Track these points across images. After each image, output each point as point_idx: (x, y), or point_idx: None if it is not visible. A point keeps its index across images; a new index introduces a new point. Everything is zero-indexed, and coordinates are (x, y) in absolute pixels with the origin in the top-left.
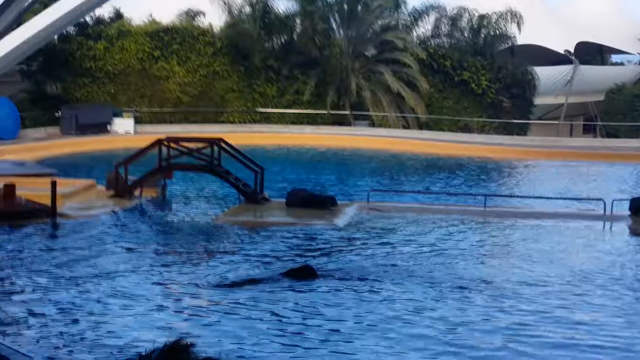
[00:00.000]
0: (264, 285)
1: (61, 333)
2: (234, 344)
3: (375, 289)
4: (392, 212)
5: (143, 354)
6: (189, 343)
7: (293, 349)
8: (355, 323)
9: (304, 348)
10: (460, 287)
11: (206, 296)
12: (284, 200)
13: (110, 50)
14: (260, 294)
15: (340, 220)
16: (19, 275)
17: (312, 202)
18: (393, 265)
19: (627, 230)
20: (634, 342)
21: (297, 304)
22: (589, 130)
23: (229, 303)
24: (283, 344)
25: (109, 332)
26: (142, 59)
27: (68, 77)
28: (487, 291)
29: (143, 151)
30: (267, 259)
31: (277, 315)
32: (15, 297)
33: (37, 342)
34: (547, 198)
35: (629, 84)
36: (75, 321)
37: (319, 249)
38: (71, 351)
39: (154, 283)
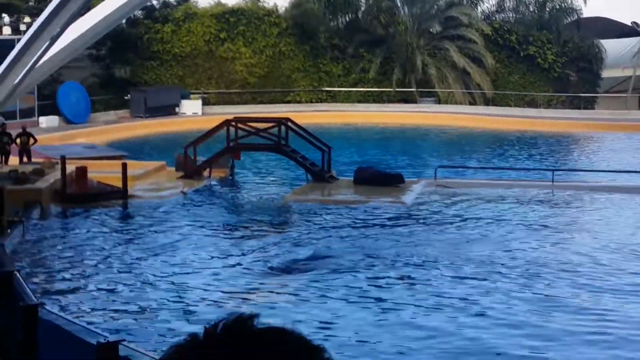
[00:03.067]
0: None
1: (135, 308)
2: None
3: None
4: (460, 188)
5: (208, 327)
6: (253, 314)
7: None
8: None
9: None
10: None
11: (273, 277)
12: (352, 178)
13: (177, 33)
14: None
15: (408, 197)
16: (95, 254)
17: (379, 179)
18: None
19: None
20: None
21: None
22: None
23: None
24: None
25: (178, 309)
26: (209, 40)
27: (136, 60)
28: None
29: (211, 132)
30: (335, 238)
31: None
32: (89, 275)
33: (106, 320)
34: (616, 172)
35: None
36: (146, 297)
37: (387, 226)
38: (144, 325)
39: (222, 262)
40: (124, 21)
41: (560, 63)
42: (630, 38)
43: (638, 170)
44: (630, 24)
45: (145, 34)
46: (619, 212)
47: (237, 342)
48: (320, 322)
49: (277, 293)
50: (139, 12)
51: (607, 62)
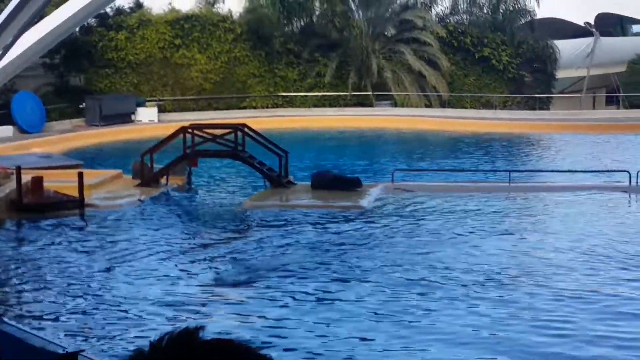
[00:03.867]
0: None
1: (86, 322)
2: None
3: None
4: (417, 191)
5: (154, 341)
6: (198, 327)
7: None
8: None
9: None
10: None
11: (227, 287)
12: (309, 183)
13: (131, 40)
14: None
15: (366, 201)
16: (49, 266)
17: (337, 183)
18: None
19: None
20: None
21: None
22: (611, 101)
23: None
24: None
25: (125, 318)
26: (164, 47)
27: (91, 68)
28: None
29: (167, 139)
30: (292, 244)
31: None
32: (46, 286)
33: (65, 331)
34: (572, 171)
35: None
36: (99, 309)
37: (345, 230)
38: (97, 338)
39: (178, 272)
40: (77, 29)
41: (515, 64)
42: (584, 38)
43: (593, 169)
44: (583, 25)
45: (99, 41)
46: (575, 211)
47: (183, 355)
48: (271, 331)
49: (229, 303)
50: (93, 19)
51: (561, 62)
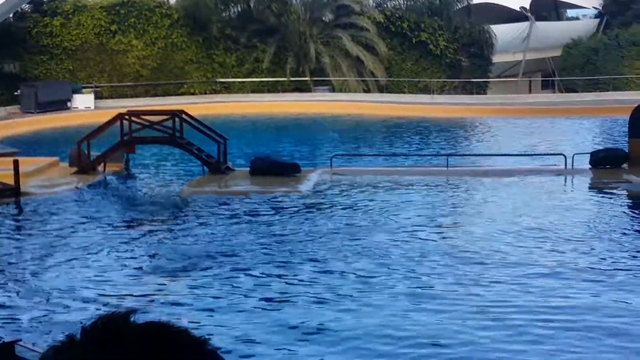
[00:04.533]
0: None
1: (19, 312)
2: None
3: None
4: (355, 176)
5: (85, 326)
6: (130, 310)
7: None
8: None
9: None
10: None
11: (161, 275)
12: (248, 169)
13: (66, 26)
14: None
15: (304, 186)
16: None
17: (275, 169)
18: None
19: (588, 182)
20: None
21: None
22: (547, 86)
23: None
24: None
25: (58, 308)
26: (100, 33)
27: (25, 55)
28: (450, 250)
29: (104, 126)
30: (230, 230)
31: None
32: None
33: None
34: (508, 155)
35: (585, 38)
36: (32, 299)
37: (283, 216)
38: (30, 328)
39: (111, 258)
40: (11, 15)
41: (452, 49)
42: (520, 23)
43: (529, 153)
44: (519, 9)
45: (34, 27)
46: (512, 194)
47: (115, 339)
48: (207, 319)
49: (164, 292)
50: (27, 5)
51: (498, 47)
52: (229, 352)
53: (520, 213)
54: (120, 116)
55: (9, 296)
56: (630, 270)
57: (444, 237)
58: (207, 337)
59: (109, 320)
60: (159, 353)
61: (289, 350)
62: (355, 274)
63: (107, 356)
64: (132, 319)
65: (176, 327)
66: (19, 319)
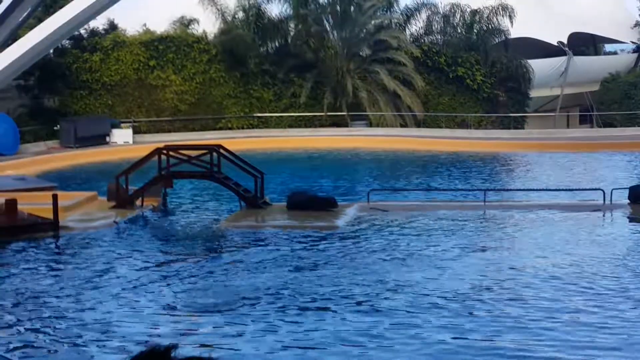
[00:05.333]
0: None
1: (64, 345)
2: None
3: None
4: (393, 211)
5: None
6: (171, 345)
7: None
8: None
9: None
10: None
11: (198, 313)
12: (285, 203)
13: (106, 62)
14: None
15: (341, 221)
16: (25, 289)
17: (312, 204)
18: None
19: (627, 217)
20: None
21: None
22: (585, 120)
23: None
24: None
25: (104, 343)
26: (138, 69)
27: (65, 90)
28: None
29: (142, 161)
30: (269, 265)
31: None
32: (18, 312)
33: (37, 352)
34: (546, 190)
35: (623, 72)
36: (75, 334)
37: (320, 251)
38: None
39: (153, 296)
40: (51, 51)
41: (489, 83)
42: (557, 57)
43: (567, 188)
44: (556, 44)
45: (74, 63)
46: (549, 229)
47: None
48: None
49: (201, 332)
50: (67, 41)
51: (535, 81)
52: None
53: (557, 248)
54: (158, 151)
55: (49, 333)
56: None
57: (483, 271)
58: None
59: (151, 355)
60: None
61: None
62: (392, 310)
63: None
64: (173, 354)
65: None
66: (56, 353)
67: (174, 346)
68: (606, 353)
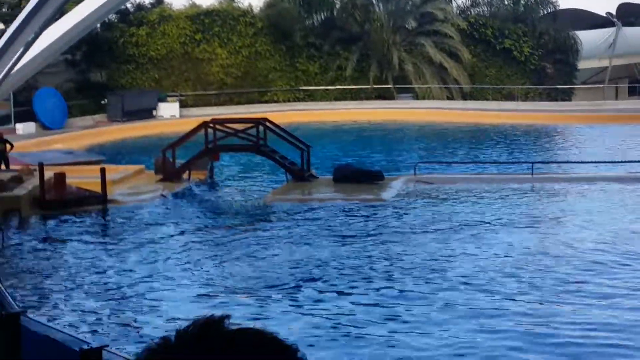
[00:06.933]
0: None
1: (109, 318)
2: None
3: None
4: (440, 184)
5: (180, 330)
6: (224, 315)
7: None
8: None
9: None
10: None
11: (245, 288)
12: (331, 176)
13: (152, 36)
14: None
15: (388, 194)
16: (75, 262)
17: (359, 177)
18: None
19: None
20: None
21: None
22: (634, 92)
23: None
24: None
25: (153, 312)
26: (185, 42)
27: (112, 64)
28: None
29: (189, 134)
30: (315, 238)
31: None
32: (70, 283)
33: (89, 327)
34: (595, 162)
35: None
36: (121, 305)
37: (367, 224)
38: (125, 332)
39: (202, 269)
40: (98, 25)
41: (537, 55)
42: (605, 29)
43: (617, 160)
44: (605, 15)
45: (121, 37)
46: (598, 202)
47: (209, 343)
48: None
49: (249, 305)
50: (114, 15)
51: (583, 53)
52: None
53: (608, 221)
54: (204, 124)
55: (98, 303)
56: None
57: (525, 245)
58: (295, 344)
59: (204, 324)
60: (252, 357)
61: None
62: (448, 281)
63: (200, 358)
64: (226, 324)
65: (268, 333)
66: (107, 325)
67: (227, 316)
68: None
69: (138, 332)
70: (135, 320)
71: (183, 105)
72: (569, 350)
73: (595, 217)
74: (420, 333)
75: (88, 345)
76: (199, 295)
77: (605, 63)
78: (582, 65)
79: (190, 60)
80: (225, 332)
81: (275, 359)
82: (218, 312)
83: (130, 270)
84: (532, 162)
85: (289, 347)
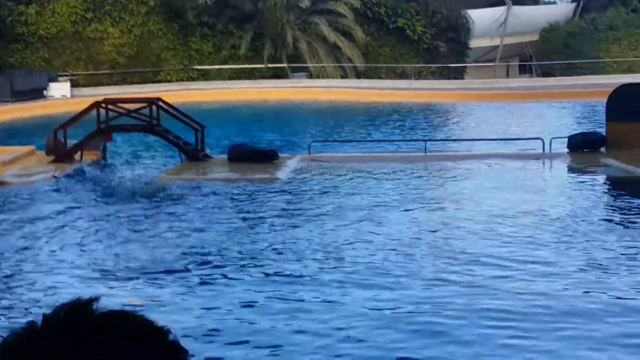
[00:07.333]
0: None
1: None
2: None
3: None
4: (335, 163)
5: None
6: (92, 298)
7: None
8: None
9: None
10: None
11: (134, 271)
12: (226, 156)
13: (42, 14)
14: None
15: (282, 173)
16: None
17: (253, 156)
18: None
19: (566, 166)
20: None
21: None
22: (524, 70)
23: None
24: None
25: (37, 296)
26: (75, 21)
27: (0, 43)
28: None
29: (81, 114)
30: (208, 219)
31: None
32: None
33: None
34: (486, 140)
35: (562, 22)
36: (12, 291)
37: (261, 203)
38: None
39: (90, 248)
40: None
41: (429, 34)
42: (497, 7)
43: (507, 137)
44: None
45: (9, 16)
46: (490, 179)
47: (76, 327)
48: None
49: (144, 286)
50: None
51: (475, 32)
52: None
53: (498, 198)
54: (96, 104)
55: None
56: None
57: (421, 221)
58: (167, 327)
59: (71, 308)
60: (121, 341)
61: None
62: (333, 258)
63: (67, 343)
64: (94, 307)
65: (139, 316)
66: None
67: (96, 299)
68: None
69: (15, 318)
70: (14, 303)
71: (75, 85)
72: (454, 332)
73: (487, 194)
74: (312, 318)
75: None
76: (89, 279)
77: (496, 42)
78: (474, 44)
79: (81, 40)
80: (93, 315)
81: (146, 343)
82: (94, 295)
83: (17, 252)
84: (425, 140)
85: (160, 329)
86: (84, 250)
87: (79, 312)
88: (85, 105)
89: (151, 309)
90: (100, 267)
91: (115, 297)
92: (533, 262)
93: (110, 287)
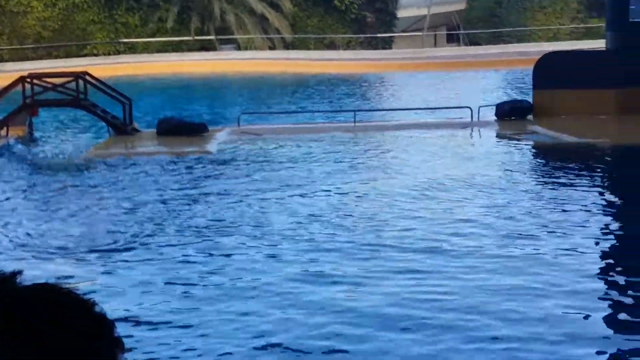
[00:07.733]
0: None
1: None
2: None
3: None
4: (263, 134)
5: None
6: (15, 271)
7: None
8: None
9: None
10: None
11: (64, 251)
12: (155, 130)
13: None
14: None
15: (212, 146)
16: None
17: (182, 129)
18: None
19: (494, 134)
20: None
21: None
22: (452, 39)
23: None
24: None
25: None
26: None
27: None
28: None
29: (5, 90)
30: (141, 192)
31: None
32: None
33: None
34: (415, 109)
35: None
36: None
37: (191, 176)
38: None
39: (17, 225)
40: None
41: (357, 5)
42: None
43: (436, 106)
44: None
45: None
46: (421, 148)
47: (0, 299)
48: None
49: (75, 264)
50: None
51: (402, 2)
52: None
53: (427, 167)
54: (21, 79)
55: None
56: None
57: (348, 193)
58: (93, 299)
59: None
60: (46, 314)
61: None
62: (265, 231)
63: None
64: (18, 280)
65: (64, 289)
66: None
67: (19, 272)
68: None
69: None
70: None
71: None
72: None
73: (414, 163)
74: (244, 287)
75: None
76: (17, 260)
77: (424, 12)
78: (401, 14)
79: (4, 14)
80: (16, 288)
81: (72, 313)
82: (16, 269)
83: None
84: (354, 111)
85: (86, 301)
86: (7, 227)
87: (1, 285)
88: (9, 81)
89: (77, 288)
90: (25, 244)
91: (42, 274)
92: (463, 223)
93: (36, 265)
